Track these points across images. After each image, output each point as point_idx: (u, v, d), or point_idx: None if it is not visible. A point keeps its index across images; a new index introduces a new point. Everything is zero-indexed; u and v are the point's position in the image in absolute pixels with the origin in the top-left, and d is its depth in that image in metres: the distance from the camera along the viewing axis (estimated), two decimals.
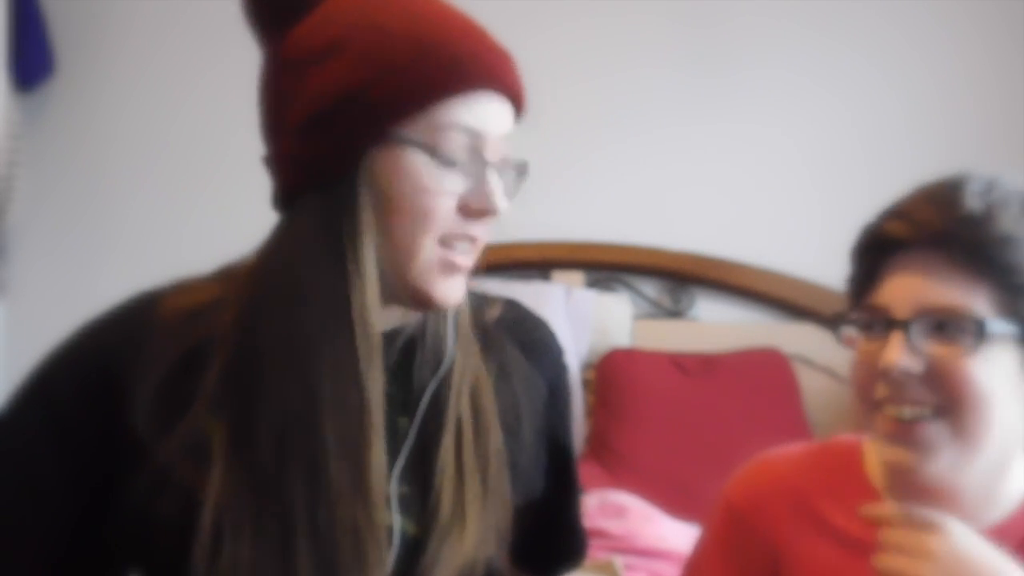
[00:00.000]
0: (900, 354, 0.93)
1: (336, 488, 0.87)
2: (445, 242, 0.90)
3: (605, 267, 2.88)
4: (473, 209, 0.90)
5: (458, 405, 0.96)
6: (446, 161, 0.88)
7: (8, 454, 0.92)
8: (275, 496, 0.86)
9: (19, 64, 2.74)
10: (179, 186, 2.87)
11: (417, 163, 0.88)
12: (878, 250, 0.99)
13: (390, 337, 0.96)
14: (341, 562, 0.87)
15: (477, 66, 0.89)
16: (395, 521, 0.92)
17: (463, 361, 0.98)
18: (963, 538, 0.92)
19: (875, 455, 1.04)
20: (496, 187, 0.90)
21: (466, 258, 0.92)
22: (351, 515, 0.87)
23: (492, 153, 0.91)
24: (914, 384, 0.93)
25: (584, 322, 2.75)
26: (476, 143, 0.89)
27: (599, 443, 2.57)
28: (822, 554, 1.02)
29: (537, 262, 2.86)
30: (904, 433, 0.94)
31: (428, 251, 0.90)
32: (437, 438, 0.95)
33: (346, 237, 0.88)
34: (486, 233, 0.93)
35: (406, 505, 0.94)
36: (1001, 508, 0.99)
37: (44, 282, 2.86)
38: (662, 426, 2.56)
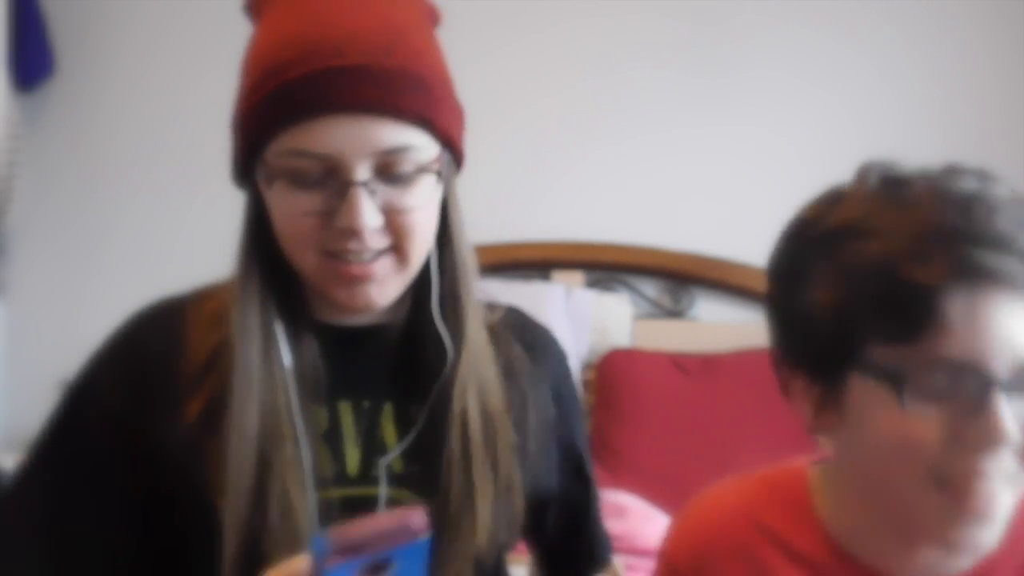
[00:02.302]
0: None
1: (251, 478, 0.91)
2: (333, 255, 0.91)
3: (605, 267, 2.88)
4: (336, 228, 0.90)
5: (463, 399, 0.98)
6: (300, 184, 0.89)
7: (69, 450, 0.98)
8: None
9: (19, 64, 2.74)
10: (179, 186, 2.86)
11: (278, 185, 0.91)
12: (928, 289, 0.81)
13: (377, 331, 1.00)
14: (261, 560, 0.89)
15: (309, 93, 0.87)
16: (382, 494, 0.95)
17: (469, 357, 0.99)
18: None
19: (821, 483, 0.97)
20: (359, 205, 0.88)
21: (363, 267, 0.91)
22: (269, 512, 0.91)
23: (356, 171, 0.88)
24: None
25: (584, 322, 2.75)
26: (329, 165, 0.88)
27: (599, 443, 2.57)
28: None
29: (537, 262, 2.86)
30: None
31: (311, 265, 0.92)
32: (445, 431, 0.97)
33: (253, 239, 0.96)
34: (378, 242, 0.91)
35: (413, 482, 0.97)
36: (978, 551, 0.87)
37: (44, 282, 2.86)
38: (662, 426, 2.56)
